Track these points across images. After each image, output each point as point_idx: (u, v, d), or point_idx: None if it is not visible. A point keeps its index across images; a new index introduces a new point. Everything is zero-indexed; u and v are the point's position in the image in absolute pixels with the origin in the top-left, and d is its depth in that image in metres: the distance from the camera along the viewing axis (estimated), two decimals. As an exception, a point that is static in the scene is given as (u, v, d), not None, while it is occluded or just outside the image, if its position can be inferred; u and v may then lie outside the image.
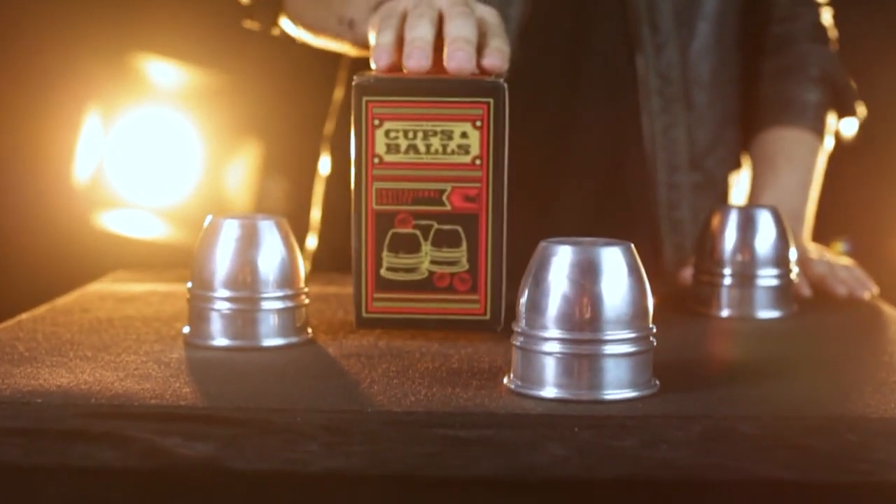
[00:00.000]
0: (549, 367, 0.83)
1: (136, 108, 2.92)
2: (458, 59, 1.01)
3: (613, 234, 0.92)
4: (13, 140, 2.78)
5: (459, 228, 1.00)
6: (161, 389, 0.84)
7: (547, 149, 1.45)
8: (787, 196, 1.45)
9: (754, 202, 1.46)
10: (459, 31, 1.03)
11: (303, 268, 1.01)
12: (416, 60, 1.02)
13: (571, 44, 1.46)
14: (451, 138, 0.99)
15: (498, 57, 1.04)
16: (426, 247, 1.00)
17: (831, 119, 1.53)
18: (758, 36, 1.54)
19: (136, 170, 2.93)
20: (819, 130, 1.51)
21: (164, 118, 2.91)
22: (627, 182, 1.47)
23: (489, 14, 1.09)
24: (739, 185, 1.56)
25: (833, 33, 1.56)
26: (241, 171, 2.98)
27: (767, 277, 1.17)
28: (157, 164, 2.93)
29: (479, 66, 1.03)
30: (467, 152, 0.99)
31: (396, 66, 1.04)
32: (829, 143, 1.53)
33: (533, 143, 1.41)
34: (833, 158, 1.54)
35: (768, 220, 1.18)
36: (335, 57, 1.47)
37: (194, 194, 2.92)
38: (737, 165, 1.55)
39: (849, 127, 1.57)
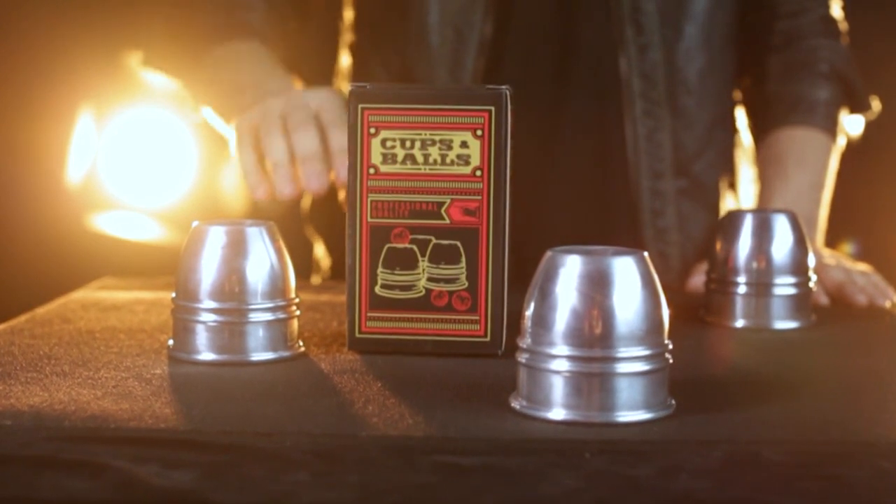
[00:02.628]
0: (557, 387, 0.77)
1: (130, 108, 2.86)
2: (311, 184, 1.12)
3: (596, 241, 0.87)
4: (5, 140, 2.73)
5: (458, 244, 0.94)
6: (140, 410, 0.78)
7: (532, 153, 1.39)
8: (799, 199, 1.40)
9: (765, 205, 1.41)
10: (303, 148, 1.13)
11: (293, 277, 0.95)
12: (283, 187, 1.13)
13: (557, 44, 1.41)
14: (450, 148, 0.93)
15: (343, 170, 1.11)
16: (423, 263, 0.94)
17: (843, 116, 1.48)
18: (763, 32, 1.49)
19: (129, 171, 2.88)
20: (830, 129, 1.46)
21: (159, 118, 2.86)
22: (612, 188, 1.42)
23: (326, 103, 1.16)
24: (733, 190, 1.50)
25: (843, 26, 1.51)
26: (238, 172, 2.92)
27: (785, 286, 1.11)
28: (152, 164, 2.87)
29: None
30: (467, 163, 0.94)
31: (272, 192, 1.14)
32: (840, 142, 1.48)
33: (517, 148, 1.37)
34: (841, 158, 1.49)
35: (785, 226, 1.13)
36: (330, 56, 1.42)
37: (189, 196, 2.87)
38: (728, 169, 1.49)
39: (858, 123, 1.52)
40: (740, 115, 1.52)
